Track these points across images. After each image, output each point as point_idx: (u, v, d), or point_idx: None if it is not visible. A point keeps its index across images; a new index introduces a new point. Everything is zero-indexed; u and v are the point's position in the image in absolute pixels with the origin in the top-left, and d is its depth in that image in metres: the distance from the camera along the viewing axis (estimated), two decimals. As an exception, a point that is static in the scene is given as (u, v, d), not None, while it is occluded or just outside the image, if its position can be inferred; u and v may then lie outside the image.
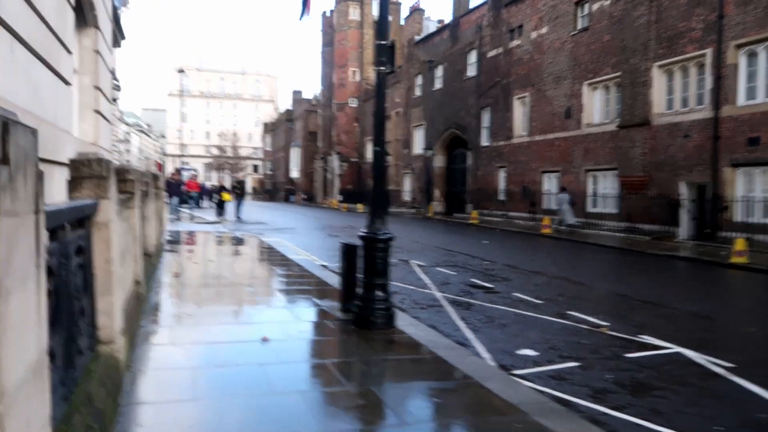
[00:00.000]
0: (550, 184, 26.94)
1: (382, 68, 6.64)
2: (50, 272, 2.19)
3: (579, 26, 24.61)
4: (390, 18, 8.12)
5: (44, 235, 1.92)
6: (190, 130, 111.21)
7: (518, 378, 4.83)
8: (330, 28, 60.89)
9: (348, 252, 6.69)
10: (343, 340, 5.65)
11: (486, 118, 32.41)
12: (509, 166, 29.81)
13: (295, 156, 71.77)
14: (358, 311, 6.10)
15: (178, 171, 26.68)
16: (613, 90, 22.96)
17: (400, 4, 52.00)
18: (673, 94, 20.11)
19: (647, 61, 20.63)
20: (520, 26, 28.67)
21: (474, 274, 10.89)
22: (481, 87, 32.41)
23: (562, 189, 24.61)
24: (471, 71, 33.77)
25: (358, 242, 6.42)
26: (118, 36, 13.67)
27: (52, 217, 2.20)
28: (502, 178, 30.95)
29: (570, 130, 25.01)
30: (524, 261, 13.20)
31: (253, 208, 37.65)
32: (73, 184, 3.55)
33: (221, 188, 23.90)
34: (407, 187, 44.03)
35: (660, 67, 20.30)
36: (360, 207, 41.26)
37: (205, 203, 32.96)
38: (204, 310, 6.84)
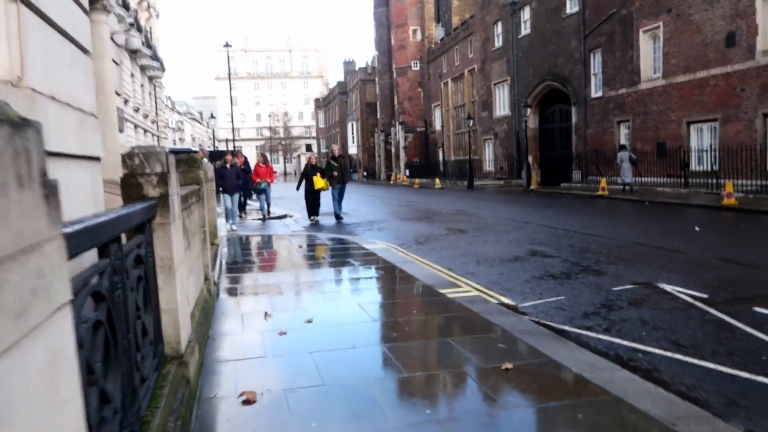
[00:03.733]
0: (700, 138, 20.75)
1: None
2: (100, 297, 1.91)
3: None
4: None
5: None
6: (240, 113, 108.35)
7: None
8: (383, -14, 55.01)
9: None
10: None
11: (596, 62, 26.19)
12: (635, 120, 23.67)
13: (353, 130, 66.84)
14: None
15: (235, 154, 15.85)
16: (810, -1, 16.53)
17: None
18: None
19: None
20: (645, -63, 22.23)
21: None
22: (588, 24, 26.15)
23: (622, 146, 22.41)
24: (572, 6, 27.48)
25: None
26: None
27: (91, 233, 1.78)
28: (623, 136, 24.82)
29: (736, 63, 18.70)
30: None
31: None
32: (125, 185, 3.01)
33: (312, 170, 14.33)
34: (489, 155, 38.24)
35: None
36: (438, 182, 35.82)
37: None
38: None
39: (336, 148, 15.46)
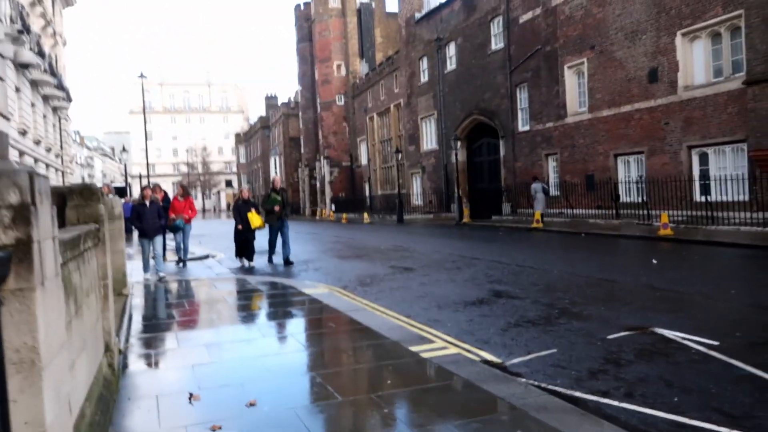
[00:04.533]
0: (627, 170, 21.11)
1: None
2: None
3: (660, -38, 18.89)
4: None
5: None
6: (156, 148, 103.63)
7: None
8: (306, 21, 54.64)
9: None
10: None
11: (522, 97, 26.52)
12: (563, 152, 23.93)
13: (276, 165, 65.18)
14: None
15: (155, 188, 13.49)
16: (726, 37, 17.23)
17: (386, -16, 46.09)
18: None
19: (788, -12, 14.97)
20: (567, -23, 22.89)
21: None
22: (514, 60, 26.52)
23: (534, 178, 23.12)
24: (497, 43, 27.87)
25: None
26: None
27: None
28: (552, 169, 25.07)
29: (659, 97, 19.21)
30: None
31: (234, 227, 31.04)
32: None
33: (244, 205, 12.53)
34: (417, 188, 37.90)
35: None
36: (366, 217, 34.90)
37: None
38: None
39: (278, 179, 13.31)
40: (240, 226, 12.34)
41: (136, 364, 4.81)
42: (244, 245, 12.64)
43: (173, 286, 9.51)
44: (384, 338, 5.34)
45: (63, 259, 2.68)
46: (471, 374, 4.26)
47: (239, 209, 12.52)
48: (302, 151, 57.34)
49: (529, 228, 20.97)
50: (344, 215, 39.23)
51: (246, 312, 7.30)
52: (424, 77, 35.28)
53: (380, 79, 42.61)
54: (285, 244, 12.50)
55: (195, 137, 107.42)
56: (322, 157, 51.38)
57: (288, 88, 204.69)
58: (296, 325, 6.28)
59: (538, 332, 5.74)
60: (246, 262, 12.65)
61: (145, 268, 10.96)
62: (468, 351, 5.12)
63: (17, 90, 24.05)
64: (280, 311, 7.09)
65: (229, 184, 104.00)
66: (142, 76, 38.29)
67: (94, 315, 3.64)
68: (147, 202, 10.78)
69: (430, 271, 10.22)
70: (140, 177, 71.72)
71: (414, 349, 4.96)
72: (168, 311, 7.43)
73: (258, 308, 7.55)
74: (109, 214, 7.49)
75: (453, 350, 5.02)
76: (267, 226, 12.58)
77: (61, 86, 32.44)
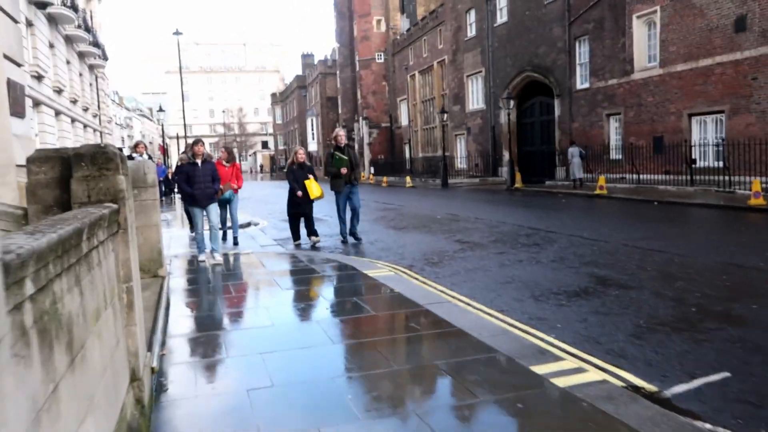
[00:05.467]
0: (703, 131, 19.11)
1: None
2: None
3: None
4: None
5: None
6: (192, 108, 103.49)
7: None
8: (344, -26, 52.36)
9: None
10: None
11: (582, 51, 24.39)
12: (627, 112, 21.94)
13: (313, 126, 63.95)
14: None
15: (195, 144, 8.90)
16: (836, -24, 14.96)
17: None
18: None
19: None
20: None
21: None
22: (574, 10, 24.31)
23: (571, 142, 22.94)
24: (555, -8, 25.61)
25: None
26: None
27: None
28: (613, 130, 23.12)
29: (746, 49, 17.05)
30: None
31: (273, 190, 30.11)
32: None
33: (300, 170, 10.08)
34: (461, 151, 36.22)
35: None
36: (409, 181, 33.48)
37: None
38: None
39: (342, 134, 10.42)
40: (300, 194, 9.90)
41: (174, 385, 3.69)
42: (301, 221, 10.27)
43: (215, 263, 8.41)
44: (491, 350, 4.09)
45: (36, 285, 1.48)
46: (636, 418, 2.99)
47: (295, 175, 10.08)
48: (340, 111, 55.91)
49: (590, 194, 19.32)
50: (384, 178, 37.92)
51: (303, 302, 6.11)
52: (471, 31, 33.14)
53: (423, 34, 40.48)
54: (355, 215, 10.24)
55: (231, 97, 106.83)
56: (360, 118, 49.87)
57: (325, 46, 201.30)
58: (370, 325, 5.06)
59: (686, 342, 4.41)
60: (308, 241, 10.20)
61: (200, 246, 8.62)
62: (606, 371, 3.84)
63: (51, 46, 23.18)
64: (345, 303, 5.85)
65: (265, 145, 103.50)
66: (177, 32, 37.16)
67: (110, 341, 2.46)
68: (199, 161, 8.36)
69: (504, 248, 8.89)
70: (177, 137, 71.51)
71: (539, 370, 3.70)
72: (211, 298, 6.32)
73: (317, 296, 6.35)
74: (140, 182, 6.36)
75: (592, 373, 3.74)
76: (334, 193, 10.17)
77: (96, 43, 31.58)
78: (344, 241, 10.22)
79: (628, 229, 10.61)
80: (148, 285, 5.82)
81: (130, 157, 10.04)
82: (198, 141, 8.66)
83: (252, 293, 6.64)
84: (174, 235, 12.06)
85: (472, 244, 9.35)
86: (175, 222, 15.36)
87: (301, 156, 10.23)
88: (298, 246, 10.13)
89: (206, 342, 4.62)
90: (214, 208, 8.67)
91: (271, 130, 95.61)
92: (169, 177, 23.55)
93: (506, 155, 30.67)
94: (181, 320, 5.35)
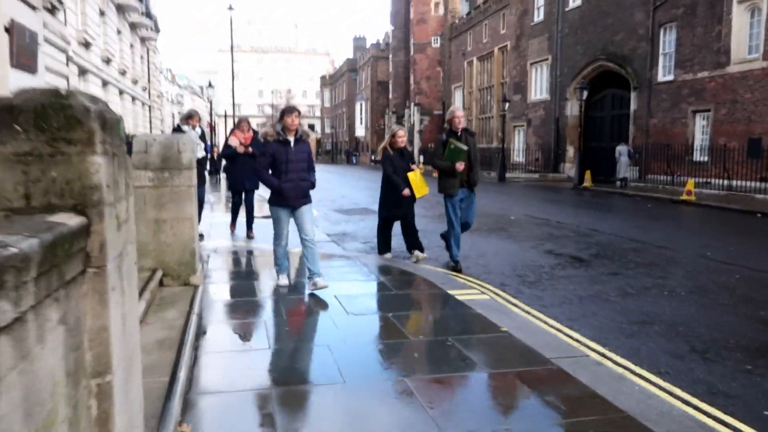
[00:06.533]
0: (812, 134, 16.74)
1: None
2: None
3: None
4: None
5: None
6: (242, 88, 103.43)
7: None
8: (403, -46, 50.44)
9: None
10: None
11: (668, 40, 22.03)
12: (718, 109, 19.61)
13: (361, 111, 62.55)
14: None
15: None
16: None
17: None
18: None
19: None
20: None
21: None
22: (661, -6, 21.96)
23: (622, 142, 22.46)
24: (640, -27, 23.26)
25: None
26: None
27: None
28: (699, 128, 20.81)
29: None
30: None
31: (320, 175, 28.56)
32: None
33: (400, 158, 7.31)
34: (519, 144, 34.16)
35: None
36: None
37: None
38: None
39: (459, 114, 7.08)
40: (407, 192, 7.17)
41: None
42: (393, 226, 7.66)
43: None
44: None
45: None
46: None
47: (394, 165, 7.26)
48: (390, 96, 54.30)
49: (674, 200, 17.21)
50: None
51: (382, 341, 4.33)
52: (539, 16, 30.91)
53: (484, 18, 38.33)
54: (464, 225, 7.24)
55: (280, 78, 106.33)
56: (412, 104, 48.14)
57: (377, 30, 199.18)
58: (485, 396, 3.50)
59: None
60: (413, 256, 7.51)
61: (281, 263, 5.91)
62: None
63: (102, 13, 22.33)
64: (440, 347, 4.04)
65: (312, 128, 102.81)
66: (230, 8, 36.17)
67: None
68: (291, 139, 5.62)
69: (614, 267, 7.16)
70: (225, 115, 71.22)
71: None
72: (245, 326, 4.77)
73: (398, 332, 4.65)
74: (173, 162, 4.94)
75: None
76: (443, 195, 7.07)
77: (148, 14, 30.82)
78: (456, 269, 6.93)
79: (759, 250, 8.67)
80: (174, 299, 4.42)
81: (180, 129, 8.44)
82: (292, 109, 5.76)
83: (308, 326, 4.82)
84: (215, 222, 10.76)
85: (570, 259, 7.66)
86: (218, 206, 14.13)
87: (402, 139, 7.36)
88: (388, 258, 7.64)
89: (245, 415, 3.13)
90: (309, 212, 5.77)
91: (318, 113, 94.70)
92: (215, 156, 22.45)
93: (571, 150, 28.58)
94: (218, 361, 3.89)
